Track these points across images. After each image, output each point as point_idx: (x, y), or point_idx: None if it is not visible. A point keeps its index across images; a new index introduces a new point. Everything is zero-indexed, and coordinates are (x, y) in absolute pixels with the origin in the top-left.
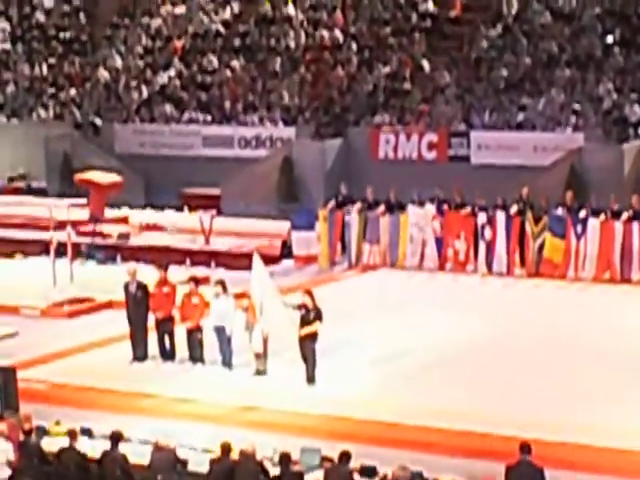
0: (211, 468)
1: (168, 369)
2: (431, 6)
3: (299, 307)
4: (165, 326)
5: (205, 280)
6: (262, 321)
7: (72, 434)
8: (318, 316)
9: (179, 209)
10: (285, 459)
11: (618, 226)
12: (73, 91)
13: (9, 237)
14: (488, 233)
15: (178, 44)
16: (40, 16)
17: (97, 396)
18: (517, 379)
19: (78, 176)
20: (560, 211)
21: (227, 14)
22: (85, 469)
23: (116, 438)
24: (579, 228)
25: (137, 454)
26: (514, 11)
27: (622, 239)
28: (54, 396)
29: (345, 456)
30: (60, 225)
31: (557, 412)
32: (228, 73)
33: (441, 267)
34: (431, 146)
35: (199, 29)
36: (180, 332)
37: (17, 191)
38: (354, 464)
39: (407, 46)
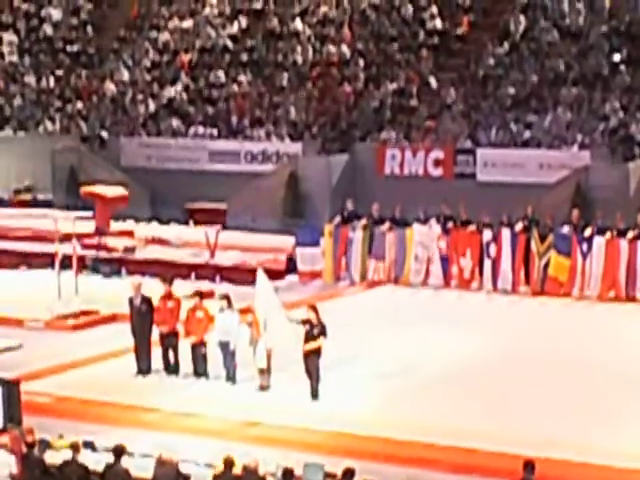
0: None
1: (172, 383)
2: (439, 23)
3: (303, 322)
4: (169, 340)
5: (210, 294)
6: (266, 336)
7: (75, 447)
8: (322, 331)
9: (184, 223)
10: (288, 475)
11: (623, 244)
12: (80, 104)
13: (14, 249)
14: (493, 250)
15: (185, 58)
16: (48, 29)
17: (100, 409)
18: (521, 397)
19: (84, 189)
20: (566, 229)
21: (235, 29)
22: None
23: (119, 452)
24: (585, 246)
25: (140, 468)
26: (521, 29)
27: (627, 257)
28: (57, 409)
29: (349, 473)
30: (65, 238)
31: (561, 430)
32: (235, 88)
33: (446, 284)
34: (437, 163)
35: (206, 43)
36: (184, 346)
37: (23, 203)
38: None
39: (414, 63)
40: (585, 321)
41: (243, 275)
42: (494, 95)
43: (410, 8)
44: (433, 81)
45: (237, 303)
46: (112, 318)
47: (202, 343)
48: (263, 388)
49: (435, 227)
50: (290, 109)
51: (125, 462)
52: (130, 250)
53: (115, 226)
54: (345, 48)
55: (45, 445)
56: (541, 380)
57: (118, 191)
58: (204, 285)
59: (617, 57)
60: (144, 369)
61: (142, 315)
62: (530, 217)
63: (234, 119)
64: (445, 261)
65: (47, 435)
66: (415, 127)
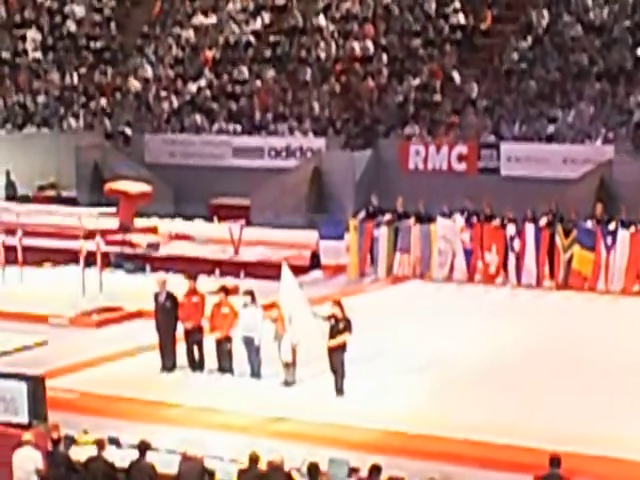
0: (239, 479)
1: (197, 379)
2: (462, 18)
3: (328, 318)
4: (194, 336)
5: (234, 290)
6: (291, 331)
7: (100, 443)
8: (347, 327)
9: (208, 219)
10: (313, 470)
11: None
12: (103, 101)
13: (39, 246)
14: (517, 245)
15: (209, 54)
16: (71, 25)
17: (125, 405)
18: (546, 391)
19: (108, 185)
20: (590, 223)
21: (258, 24)
22: (113, 478)
23: (144, 448)
24: (609, 240)
25: (165, 464)
26: (545, 23)
27: None
28: (82, 405)
29: (376, 470)
30: (90, 234)
31: (586, 425)
32: (258, 83)
33: (470, 279)
34: (461, 158)
35: (230, 39)
36: (209, 342)
37: (47, 200)
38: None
39: (438, 58)
40: (609, 315)
41: (267, 271)
42: (517, 90)
43: (433, 3)
44: (456, 76)
45: (262, 299)
46: (136, 314)
47: (227, 339)
48: (288, 383)
49: (459, 220)
50: (314, 105)
51: (150, 458)
52: (154, 246)
53: (139, 222)
54: (369, 43)
55: (70, 441)
56: (566, 374)
57: (142, 187)
58: (228, 281)
59: None
60: (169, 365)
61: (167, 311)
62: (554, 212)
63: (257, 115)
64: (469, 254)
65: (72, 431)
66: (439, 122)
